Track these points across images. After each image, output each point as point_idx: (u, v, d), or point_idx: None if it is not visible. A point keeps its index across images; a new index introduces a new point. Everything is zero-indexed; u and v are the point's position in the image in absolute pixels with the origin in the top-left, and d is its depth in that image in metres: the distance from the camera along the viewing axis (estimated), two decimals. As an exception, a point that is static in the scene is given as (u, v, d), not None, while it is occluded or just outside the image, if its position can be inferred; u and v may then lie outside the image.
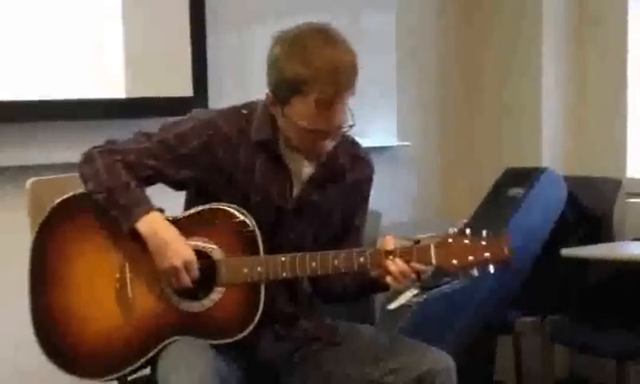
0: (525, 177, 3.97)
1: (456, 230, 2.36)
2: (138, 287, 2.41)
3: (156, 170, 2.42)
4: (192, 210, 2.44)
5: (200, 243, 2.39)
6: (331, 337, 2.52)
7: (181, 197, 2.56)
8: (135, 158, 2.41)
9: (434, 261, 2.33)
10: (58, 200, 2.44)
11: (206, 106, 3.82)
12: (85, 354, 2.42)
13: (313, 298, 2.59)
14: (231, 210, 2.40)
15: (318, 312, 2.59)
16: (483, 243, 2.33)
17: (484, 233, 2.34)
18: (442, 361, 2.40)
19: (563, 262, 3.67)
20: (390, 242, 2.35)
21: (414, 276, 2.33)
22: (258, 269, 2.36)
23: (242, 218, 2.39)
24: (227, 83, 4.01)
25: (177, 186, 2.49)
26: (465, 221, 2.47)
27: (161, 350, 2.38)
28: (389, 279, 2.33)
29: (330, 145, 2.38)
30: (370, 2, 4.48)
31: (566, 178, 4.03)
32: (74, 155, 2.49)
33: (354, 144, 2.56)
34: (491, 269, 2.34)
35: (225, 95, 3.83)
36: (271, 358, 2.49)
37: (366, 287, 2.50)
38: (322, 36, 2.32)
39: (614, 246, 3.94)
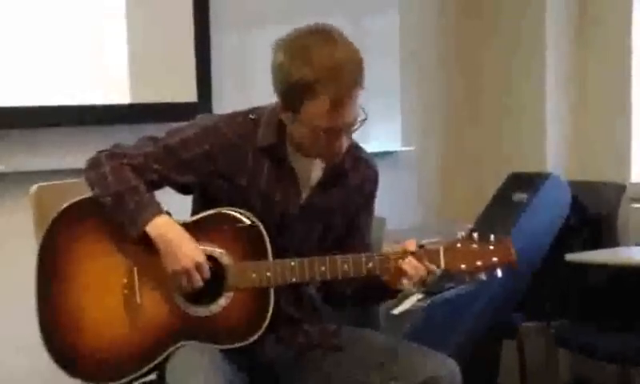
0: (529, 182, 3.98)
1: (464, 234, 2.37)
2: (145, 292, 2.40)
3: (161, 174, 2.42)
4: (199, 215, 2.43)
5: (208, 248, 2.38)
6: (334, 342, 2.52)
7: (186, 200, 2.56)
8: (141, 161, 2.41)
9: (442, 265, 2.34)
10: (65, 205, 2.43)
11: (210, 110, 3.83)
12: (91, 359, 2.40)
13: (317, 302, 2.59)
14: (239, 215, 2.39)
15: (321, 317, 2.59)
16: (491, 248, 2.34)
17: (492, 237, 2.35)
18: (447, 366, 2.39)
19: (567, 267, 3.67)
20: (411, 244, 2.35)
21: (424, 273, 2.33)
22: (267, 273, 2.36)
23: (249, 222, 2.39)
24: (230, 88, 4.01)
25: (182, 189, 2.48)
26: (470, 226, 2.47)
27: (168, 355, 2.37)
28: (404, 280, 2.33)
29: (345, 143, 2.38)
30: (371, 5, 4.48)
31: (570, 183, 4.03)
32: (79, 161, 2.49)
33: (357, 148, 2.56)
34: (499, 273, 2.35)
35: (228, 100, 3.84)
36: (274, 361, 2.49)
37: (376, 293, 2.49)
38: (321, 36, 2.32)
39: (618, 250, 3.95)
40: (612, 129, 4.42)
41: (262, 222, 2.39)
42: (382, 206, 2.72)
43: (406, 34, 4.57)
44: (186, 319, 2.38)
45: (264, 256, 2.38)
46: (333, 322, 2.58)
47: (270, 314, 2.37)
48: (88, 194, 2.42)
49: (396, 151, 4.53)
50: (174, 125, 2.51)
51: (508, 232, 3.67)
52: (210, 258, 2.38)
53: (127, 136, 2.55)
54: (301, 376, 2.49)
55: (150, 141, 2.45)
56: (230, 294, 2.38)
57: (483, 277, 2.35)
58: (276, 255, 2.39)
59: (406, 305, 3.60)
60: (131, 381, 2.43)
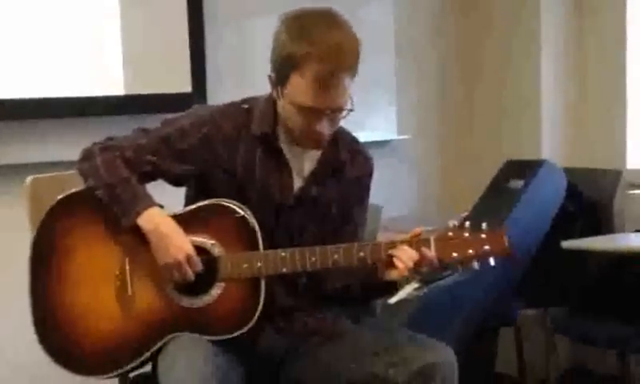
0: (525, 169, 3.97)
1: (456, 223, 2.36)
2: (137, 284, 2.40)
3: (155, 165, 2.42)
4: (191, 206, 2.44)
5: (200, 239, 2.39)
6: (332, 331, 2.52)
7: (179, 193, 2.56)
8: (134, 153, 2.41)
9: (434, 253, 2.33)
10: (59, 197, 2.43)
11: (205, 101, 3.83)
12: (84, 351, 2.41)
13: (314, 291, 2.59)
14: (231, 206, 2.39)
15: (319, 306, 2.58)
16: (483, 236, 2.34)
17: (483, 225, 2.34)
18: (444, 354, 2.39)
19: (564, 254, 3.67)
20: (390, 237, 2.35)
21: (417, 258, 2.32)
22: (258, 264, 2.36)
23: (241, 213, 2.39)
24: (226, 78, 4.00)
25: (175, 181, 2.49)
26: (464, 214, 2.47)
27: (161, 347, 2.37)
28: (398, 263, 2.31)
29: (327, 129, 2.36)
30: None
31: (566, 170, 4.02)
32: (74, 152, 2.49)
33: (354, 140, 2.56)
34: (492, 261, 2.34)
35: (223, 91, 3.83)
36: (271, 351, 2.49)
37: (372, 288, 2.50)
38: (325, 18, 2.33)
39: (615, 237, 3.94)
40: (608, 115, 4.41)
41: (258, 212, 2.39)
42: (378, 194, 2.72)
43: (403, 24, 4.57)
44: (178, 310, 2.38)
45: (256, 247, 2.38)
46: (330, 311, 2.58)
47: (261, 304, 2.37)
48: (82, 186, 2.43)
49: (392, 140, 4.53)
50: (169, 116, 2.51)
51: (504, 219, 3.68)
52: (202, 249, 2.38)
53: (122, 128, 2.55)
54: (299, 366, 2.49)
55: (144, 132, 2.46)
56: (222, 285, 2.38)
57: (476, 266, 2.34)
58: (272, 246, 2.39)
59: (402, 294, 3.58)
60: (126, 372, 2.44)
